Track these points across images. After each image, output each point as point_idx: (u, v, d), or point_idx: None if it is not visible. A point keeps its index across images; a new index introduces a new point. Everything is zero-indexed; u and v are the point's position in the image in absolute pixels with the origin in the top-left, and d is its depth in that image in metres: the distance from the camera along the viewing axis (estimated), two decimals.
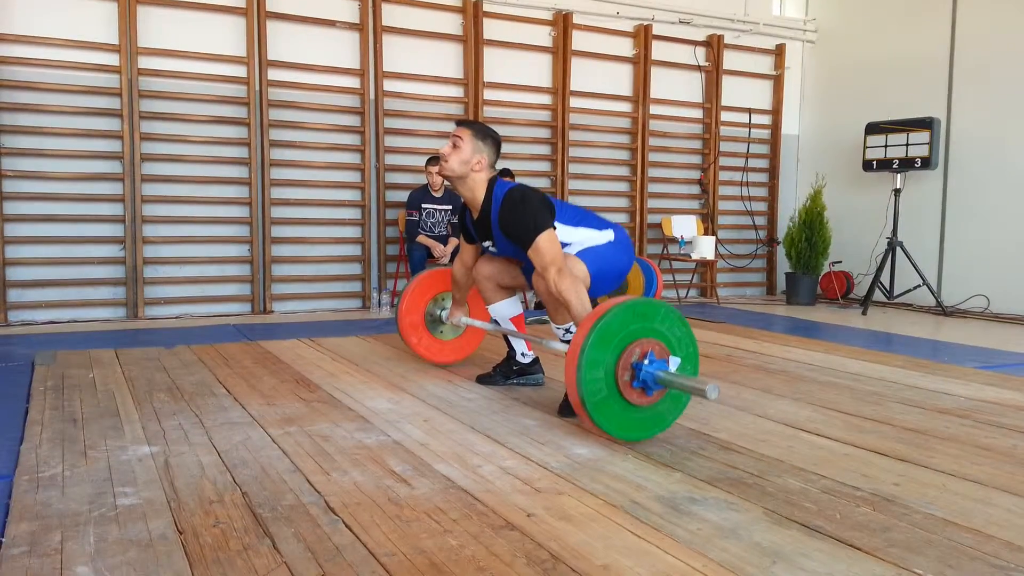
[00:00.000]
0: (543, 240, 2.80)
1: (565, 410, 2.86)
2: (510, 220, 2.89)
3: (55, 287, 5.32)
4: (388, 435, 2.57)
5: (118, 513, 1.87)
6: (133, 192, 5.43)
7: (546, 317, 5.73)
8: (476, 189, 3.01)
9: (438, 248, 5.83)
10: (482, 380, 3.43)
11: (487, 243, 3.12)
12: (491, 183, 3.01)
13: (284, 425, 2.67)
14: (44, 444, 2.43)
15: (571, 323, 2.89)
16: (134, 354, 3.99)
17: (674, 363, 2.45)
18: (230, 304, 5.83)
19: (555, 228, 2.88)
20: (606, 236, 3.03)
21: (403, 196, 6.11)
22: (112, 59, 5.36)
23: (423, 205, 5.91)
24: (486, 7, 6.40)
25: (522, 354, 3.39)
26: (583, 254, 2.93)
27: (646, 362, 2.40)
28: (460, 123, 3.08)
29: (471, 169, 2.98)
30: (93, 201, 5.41)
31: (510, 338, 3.38)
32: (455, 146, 2.99)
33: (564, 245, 2.92)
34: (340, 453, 2.36)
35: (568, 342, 2.91)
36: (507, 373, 3.40)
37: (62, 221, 5.31)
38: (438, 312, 3.69)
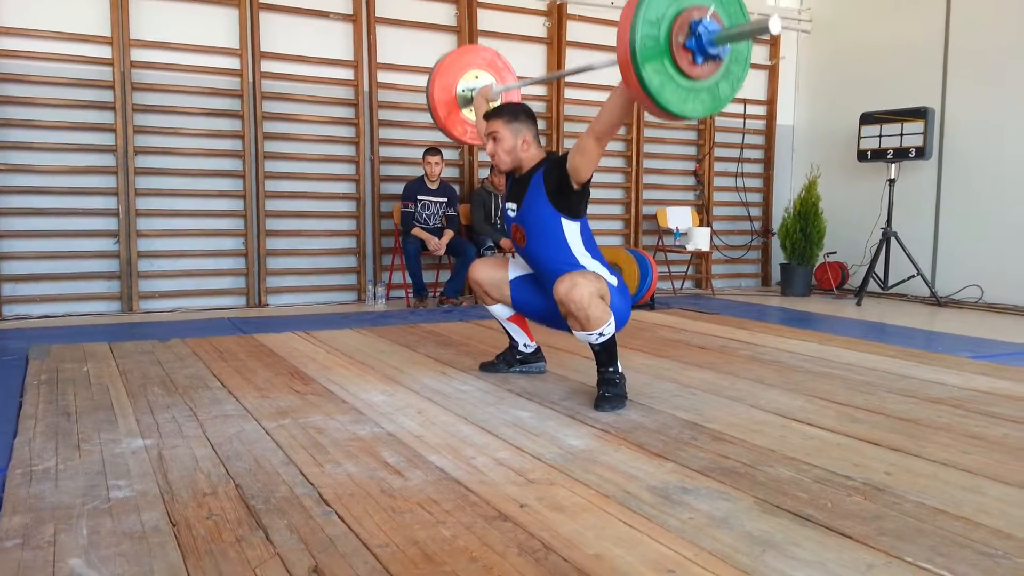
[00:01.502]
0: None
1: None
2: (556, 161, 2.89)
3: (49, 281, 5.31)
4: (382, 427, 2.57)
5: (111, 506, 1.87)
6: (127, 185, 5.41)
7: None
8: (526, 163, 3.02)
9: (432, 241, 5.83)
10: (485, 367, 3.47)
11: (511, 205, 3.07)
12: (541, 157, 3.03)
13: (278, 418, 2.67)
14: (38, 437, 2.44)
15: (600, 328, 2.80)
16: (128, 348, 3.99)
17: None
18: (225, 297, 5.83)
19: (579, 222, 2.93)
20: (610, 279, 2.95)
21: (398, 188, 6.10)
22: (104, 51, 5.33)
23: (419, 197, 5.91)
24: None
25: (524, 344, 3.43)
26: (599, 269, 2.94)
27: (706, 19, 2.26)
28: (488, 116, 3.05)
29: (520, 152, 3.00)
30: (86, 195, 5.39)
31: (511, 331, 3.41)
32: (496, 140, 2.99)
33: (569, 257, 2.93)
34: (334, 445, 2.36)
35: (602, 345, 2.86)
36: (510, 362, 3.43)
37: (55, 215, 5.30)
38: (469, 92, 3.62)
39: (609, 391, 2.88)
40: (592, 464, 2.21)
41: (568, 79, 6.73)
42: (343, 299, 6.20)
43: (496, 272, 3.27)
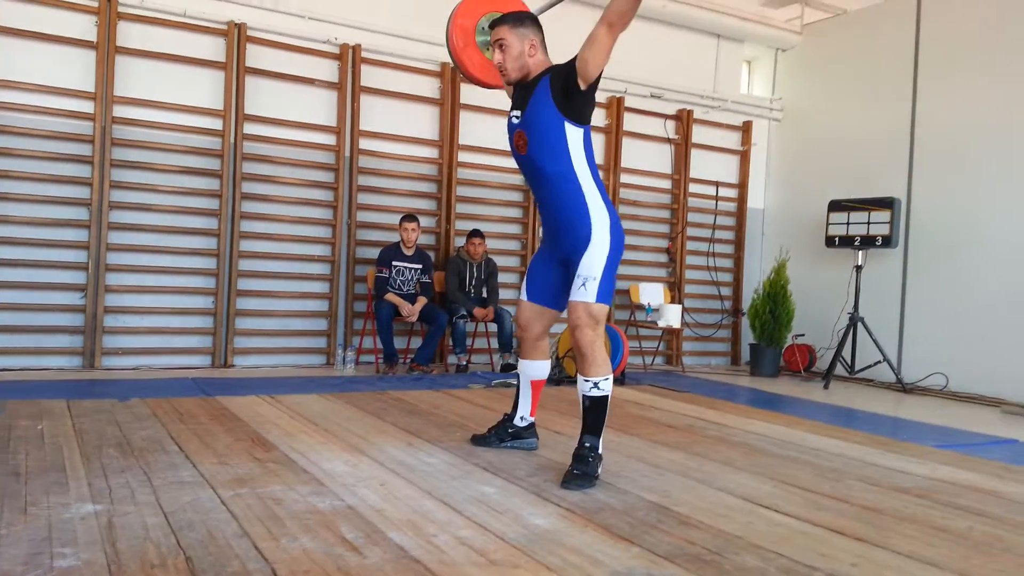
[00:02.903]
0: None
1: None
2: (564, 65, 2.87)
3: (10, 333, 5.19)
4: (343, 499, 2.51)
5: (54, 575, 1.79)
6: (99, 240, 5.36)
7: (513, 381, 5.69)
8: (534, 70, 2.99)
9: (406, 307, 5.81)
10: (476, 441, 3.44)
11: (515, 112, 3.03)
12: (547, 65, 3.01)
13: (235, 486, 2.60)
14: None
15: (600, 377, 2.86)
16: (86, 406, 3.88)
17: None
18: (190, 356, 5.73)
19: (584, 129, 2.92)
20: (606, 223, 2.92)
21: (374, 253, 6.11)
22: (87, 106, 5.35)
23: (394, 263, 5.92)
24: None
25: (521, 417, 3.40)
26: (603, 287, 2.90)
27: None
28: (493, 24, 3.02)
29: (528, 57, 2.97)
30: (56, 247, 5.33)
31: (519, 398, 3.39)
32: (502, 48, 2.96)
33: (576, 192, 2.91)
34: (291, 518, 2.29)
35: (594, 397, 2.88)
36: (502, 436, 3.39)
37: (23, 266, 5.22)
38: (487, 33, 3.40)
39: (579, 468, 2.84)
40: (556, 546, 2.16)
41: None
42: (311, 362, 6.12)
43: (528, 310, 3.23)
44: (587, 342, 2.86)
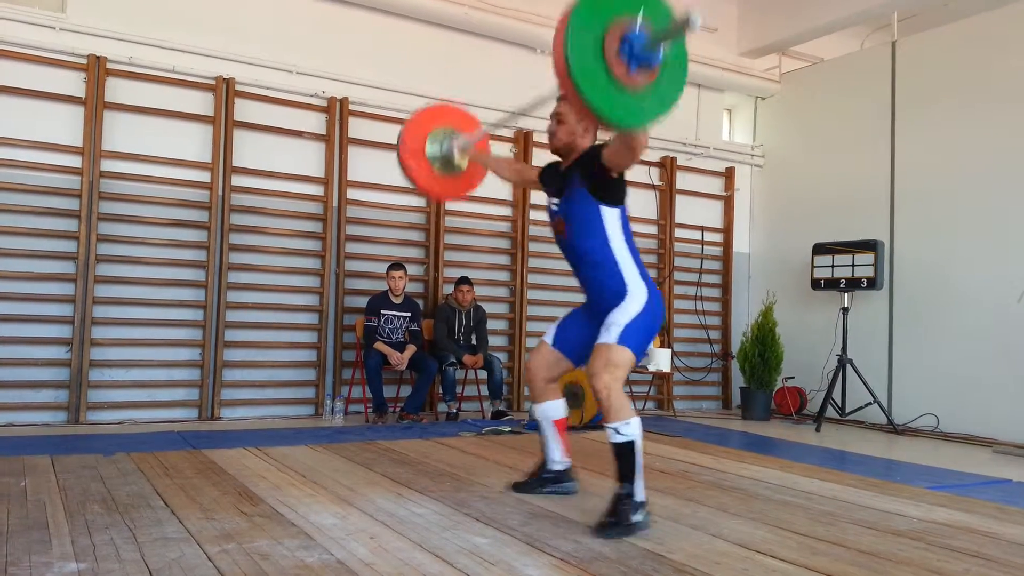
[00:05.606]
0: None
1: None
2: (593, 151, 2.97)
3: None
4: (332, 553, 2.46)
5: None
6: (85, 293, 5.33)
7: (505, 428, 5.66)
8: (577, 152, 3.12)
9: (395, 356, 5.79)
10: (517, 488, 3.42)
11: (553, 200, 3.17)
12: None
13: (222, 542, 2.55)
14: None
15: (620, 422, 2.85)
16: (70, 462, 3.81)
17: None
18: (177, 409, 5.66)
19: (620, 210, 3.02)
20: (643, 293, 3.02)
21: (362, 302, 6.11)
22: (75, 161, 5.38)
23: (382, 311, 5.91)
24: None
25: (556, 461, 3.38)
26: (628, 334, 2.95)
27: (635, 29, 2.29)
28: (561, 99, 3.11)
29: (579, 139, 3.09)
30: (42, 301, 5.29)
31: (549, 442, 3.37)
32: (560, 121, 3.09)
33: (611, 262, 3.00)
34: (279, 573, 2.25)
35: (617, 443, 2.87)
36: (542, 483, 3.38)
37: (6, 321, 5.17)
38: (437, 146, 3.56)
39: (610, 517, 2.80)
40: None
41: (535, 201, 6.91)
42: (300, 413, 6.06)
43: (548, 355, 3.28)
44: (601, 387, 2.87)
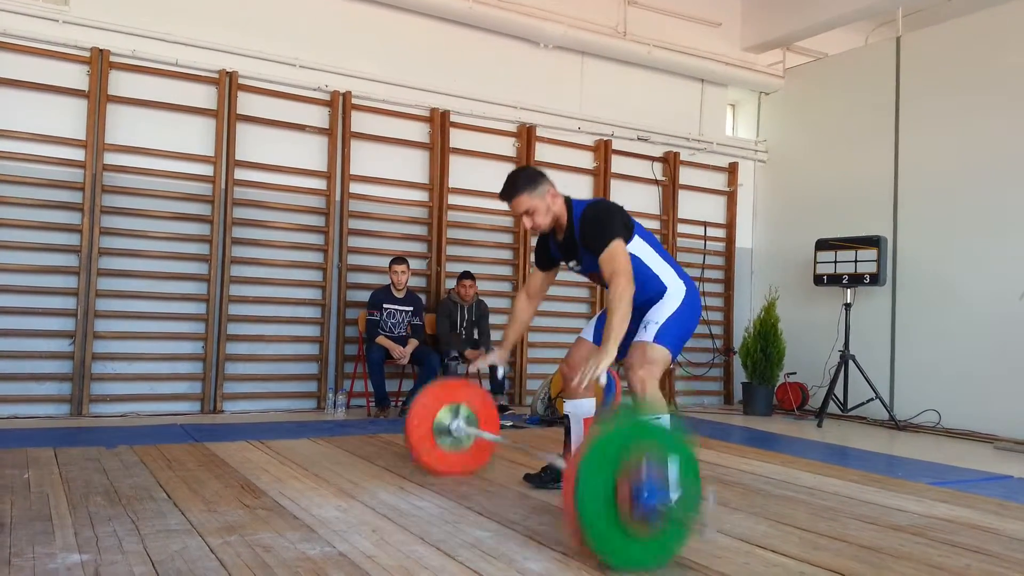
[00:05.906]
0: (613, 246, 2.93)
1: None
2: (589, 231, 3.02)
3: None
4: (333, 546, 2.47)
5: None
6: (88, 286, 5.34)
7: (507, 423, 5.65)
8: (560, 216, 3.15)
9: (397, 350, 5.79)
10: (530, 480, 3.44)
11: (572, 263, 3.23)
12: (568, 204, 3.15)
13: (224, 534, 2.55)
14: None
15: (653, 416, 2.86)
16: (73, 454, 3.83)
17: (672, 471, 2.37)
18: (179, 403, 5.67)
19: (632, 240, 3.04)
20: (681, 290, 3.08)
21: (364, 296, 6.11)
22: (78, 154, 5.38)
23: (385, 305, 5.92)
24: (453, 118, 6.62)
25: None
26: (665, 332, 2.99)
27: (645, 493, 2.30)
28: (506, 198, 3.14)
29: (553, 208, 3.13)
30: (44, 294, 5.30)
31: (571, 439, 3.35)
32: (531, 214, 3.12)
33: (646, 271, 3.05)
34: (281, 566, 2.26)
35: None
36: (557, 476, 3.37)
37: (9, 314, 5.18)
38: (446, 423, 3.62)
39: None
40: None
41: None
42: (302, 406, 6.07)
43: (586, 351, 3.27)
44: (635, 381, 2.93)
